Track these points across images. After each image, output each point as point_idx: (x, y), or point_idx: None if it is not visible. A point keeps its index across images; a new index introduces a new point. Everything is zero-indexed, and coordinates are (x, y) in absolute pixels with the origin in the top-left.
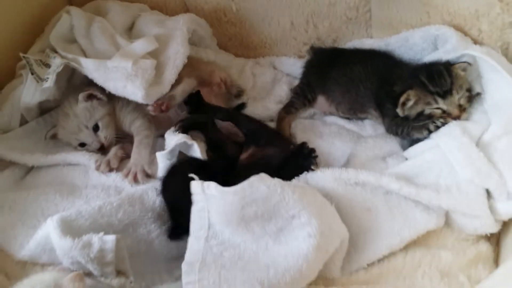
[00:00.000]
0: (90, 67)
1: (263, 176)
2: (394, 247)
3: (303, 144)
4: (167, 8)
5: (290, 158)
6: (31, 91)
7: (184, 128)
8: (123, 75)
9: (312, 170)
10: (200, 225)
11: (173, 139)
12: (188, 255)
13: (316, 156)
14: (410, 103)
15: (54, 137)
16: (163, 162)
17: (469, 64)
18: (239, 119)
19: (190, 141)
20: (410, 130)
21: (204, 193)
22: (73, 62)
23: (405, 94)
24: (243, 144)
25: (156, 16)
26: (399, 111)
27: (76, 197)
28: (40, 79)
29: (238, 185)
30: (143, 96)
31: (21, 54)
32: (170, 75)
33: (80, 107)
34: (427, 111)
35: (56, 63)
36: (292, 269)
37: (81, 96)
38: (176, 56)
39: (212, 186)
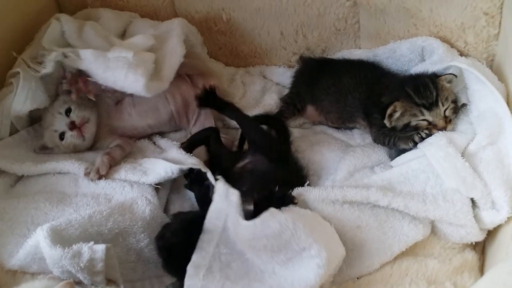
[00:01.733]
0: (88, 57)
1: (273, 212)
2: (385, 261)
3: (273, 192)
4: (157, 16)
5: (266, 203)
6: (21, 100)
7: (190, 147)
8: (124, 64)
9: (295, 204)
10: (215, 226)
11: (186, 159)
12: (195, 257)
13: (293, 198)
14: (397, 114)
15: (43, 148)
16: (164, 173)
17: (455, 76)
18: (244, 121)
19: (204, 169)
20: (396, 140)
21: (228, 199)
22: (70, 54)
23: (392, 105)
24: (240, 152)
25: (148, 21)
26: (386, 122)
27: (66, 205)
28: (37, 71)
29: (251, 221)
30: (144, 85)
31: (15, 54)
32: (168, 73)
33: (59, 99)
34: (413, 122)
35: (53, 54)
36: None
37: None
38: (172, 54)
39: (237, 195)
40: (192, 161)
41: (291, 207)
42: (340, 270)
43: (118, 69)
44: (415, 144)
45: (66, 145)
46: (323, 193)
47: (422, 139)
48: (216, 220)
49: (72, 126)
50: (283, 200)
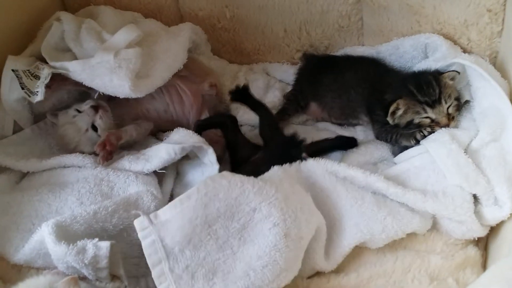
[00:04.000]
0: (76, 69)
1: (224, 173)
2: (376, 234)
3: (293, 135)
4: (161, 15)
5: (280, 147)
6: (6, 88)
7: (201, 128)
8: (107, 69)
9: (303, 159)
10: (158, 258)
11: (188, 139)
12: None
13: (306, 146)
14: (400, 112)
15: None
16: (167, 155)
17: (458, 73)
18: (269, 124)
19: (206, 146)
20: (398, 137)
21: (153, 224)
22: (61, 69)
23: (394, 103)
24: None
25: (155, 22)
26: (389, 119)
27: (68, 194)
28: (31, 93)
29: (200, 182)
30: (130, 87)
31: (11, 69)
32: (164, 71)
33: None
34: (416, 120)
35: (44, 74)
36: (269, 265)
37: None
38: (175, 58)
39: (161, 213)
40: (193, 140)
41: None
42: (329, 240)
43: (103, 75)
44: (417, 142)
45: (102, 133)
46: (328, 165)
47: (424, 137)
48: (156, 253)
49: (95, 107)
50: (299, 146)
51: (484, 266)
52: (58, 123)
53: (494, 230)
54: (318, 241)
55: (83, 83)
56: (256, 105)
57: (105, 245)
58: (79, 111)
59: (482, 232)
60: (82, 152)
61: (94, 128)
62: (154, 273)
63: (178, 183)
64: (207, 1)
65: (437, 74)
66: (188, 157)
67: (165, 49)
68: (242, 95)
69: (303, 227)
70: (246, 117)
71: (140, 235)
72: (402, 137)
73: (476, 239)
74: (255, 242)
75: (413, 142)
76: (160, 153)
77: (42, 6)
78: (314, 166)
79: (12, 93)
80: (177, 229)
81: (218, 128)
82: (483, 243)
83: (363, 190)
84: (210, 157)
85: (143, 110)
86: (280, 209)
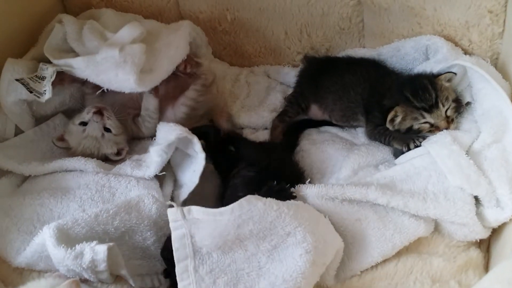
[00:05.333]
0: (81, 66)
1: (257, 196)
2: (387, 254)
3: (271, 186)
4: (162, 16)
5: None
6: (4, 90)
7: None
8: (112, 64)
9: (294, 197)
10: (185, 254)
11: (171, 132)
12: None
13: (290, 192)
14: (398, 119)
15: (61, 139)
16: (159, 157)
17: (454, 74)
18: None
19: (190, 136)
20: (391, 140)
21: (185, 219)
22: (65, 67)
23: (392, 111)
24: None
25: (156, 22)
26: (388, 126)
27: (70, 200)
28: (40, 94)
29: (235, 203)
30: (135, 81)
31: (15, 78)
32: (167, 64)
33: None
34: (416, 126)
35: (49, 72)
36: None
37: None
38: (178, 49)
39: (195, 210)
40: (176, 132)
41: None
42: (342, 263)
43: (109, 70)
44: (409, 149)
45: (118, 131)
46: (323, 190)
47: (417, 146)
48: (184, 248)
49: (98, 111)
50: (281, 194)
51: (486, 268)
52: (71, 144)
53: (496, 231)
54: (333, 263)
55: (88, 80)
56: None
57: (102, 249)
58: (84, 123)
59: (484, 234)
60: (104, 157)
61: (107, 129)
62: (177, 268)
63: (177, 185)
64: (207, 4)
65: (432, 78)
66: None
67: (166, 43)
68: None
69: (328, 254)
70: (247, 119)
71: (171, 225)
72: (394, 140)
73: (478, 241)
74: (283, 264)
75: (405, 148)
76: (153, 157)
77: (43, 10)
78: (309, 195)
79: (9, 95)
80: (207, 234)
81: (203, 139)
82: (485, 245)
83: (363, 207)
84: (195, 146)
85: (137, 102)
86: (313, 235)
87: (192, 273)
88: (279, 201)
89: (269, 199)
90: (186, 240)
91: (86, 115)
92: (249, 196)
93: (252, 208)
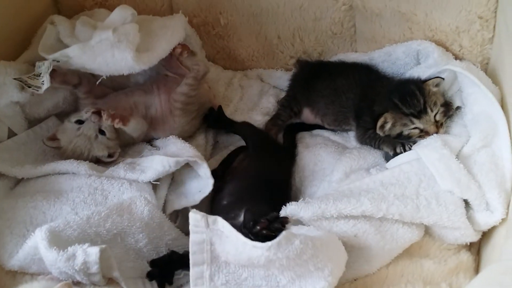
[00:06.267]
0: (76, 53)
1: (293, 233)
2: (384, 263)
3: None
4: None
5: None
6: None
7: None
8: (107, 46)
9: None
10: (202, 259)
11: (183, 152)
12: None
13: (284, 220)
14: (388, 125)
15: (53, 139)
16: (162, 167)
17: (442, 79)
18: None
19: (201, 161)
20: (380, 143)
21: (209, 228)
22: (61, 58)
23: (382, 117)
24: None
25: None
26: (379, 132)
27: (63, 203)
28: (38, 88)
29: (274, 242)
30: (133, 58)
31: (13, 78)
32: (165, 44)
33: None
34: (406, 132)
35: (46, 65)
36: None
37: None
38: (174, 32)
39: (221, 223)
40: (189, 153)
41: (303, 227)
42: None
43: (105, 52)
44: (396, 154)
45: (112, 135)
46: (317, 210)
47: (405, 151)
48: (202, 252)
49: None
50: (274, 224)
51: (477, 271)
52: (62, 143)
53: (486, 235)
54: None
55: (85, 67)
56: (232, 125)
57: (94, 251)
58: (80, 122)
59: (474, 237)
60: (96, 159)
61: (101, 132)
62: (192, 272)
63: (173, 191)
64: (201, 8)
65: (420, 83)
66: (187, 165)
67: (161, 26)
68: (218, 118)
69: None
70: (241, 119)
71: (191, 228)
72: (383, 143)
73: (469, 244)
74: (301, 286)
75: (392, 153)
76: (155, 165)
77: (37, 13)
78: (305, 218)
79: (1, 98)
80: (233, 251)
81: None
82: (476, 248)
83: (359, 221)
84: (204, 171)
85: (130, 103)
86: (337, 268)
87: (207, 280)
88: (313, 236)
89: (303, 235)
90: (206, 245)
91: (85, 114)
92: (287, 233)
93: (290, 248)
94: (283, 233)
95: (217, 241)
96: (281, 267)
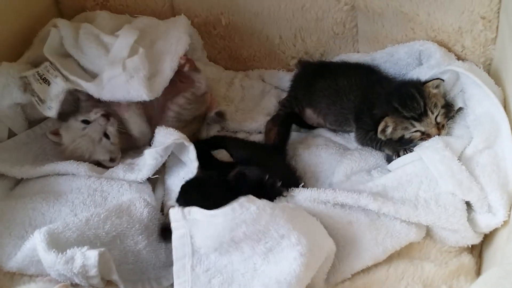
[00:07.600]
0: (93, 90)
1: (250, 197)
2: (378, 257)
3: (263, 179)
4: None
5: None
6: None
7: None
8: (120, 84)
9: (284, 196)
10: (183, 252)
11: (169, 136)
12: (176, 286)
13: (280, 188)
14: (389, 129)
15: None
16: (153, 160)
17: (442, 80)
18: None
19: (188, 143)
20: (382, 145)
21: (186, 219)
22: (76, 86)
23: (383, 121)
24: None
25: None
26: (381, 136)
27: (62, 205)
28: (40, 101)
29: (227, 206)
30: (147, 94)
31: (19, 75)
32: (172, 61)
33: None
34: (407, 135)
35: (58, 88)
36: None
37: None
38: (178, 42)
39: (194, 211)
40: (174, 137)
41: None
42: (332, 267)
43: (119, 90)
44: (398, 156)
45: (115, 140)
46: (314, 193)
47: (407, 153)
48: (183, 246)
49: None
50: (272, 190)
51: (478, 274)
52: (64, 141)
53: (488, 237)
54: (324, 267)
55: (101, 99)
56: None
57: (93, 254)
58: (87, 122)
59: (476, 240)
60: (96, 161)
61: (106, 135)
62: (175, 266)
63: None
64: (202, 8)
65: (419, 85)
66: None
67: (165, 35)
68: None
69: (320, 257)
70: (241, 123)
71: (173, 225)
72: (385, 145)
73: (470, 246)
74: (277, 267)
75: (394, 157)
76: (147, 160)
77: (38, 13)
78: (301, 199)
79: (4, 99)
80: (204, 235)
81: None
82: (477, 251)
83: (355, 211)
84: (190, 154)
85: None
86: (307, 238)
87: (188, 271)
88: (273, 203)
89: (263, 201)
90: (186, 239)
91: (94, 115)
92: (242, 199)
93: (245, 211)
94: (239, 199)
95: (195, 232)
96: (246, 237)
